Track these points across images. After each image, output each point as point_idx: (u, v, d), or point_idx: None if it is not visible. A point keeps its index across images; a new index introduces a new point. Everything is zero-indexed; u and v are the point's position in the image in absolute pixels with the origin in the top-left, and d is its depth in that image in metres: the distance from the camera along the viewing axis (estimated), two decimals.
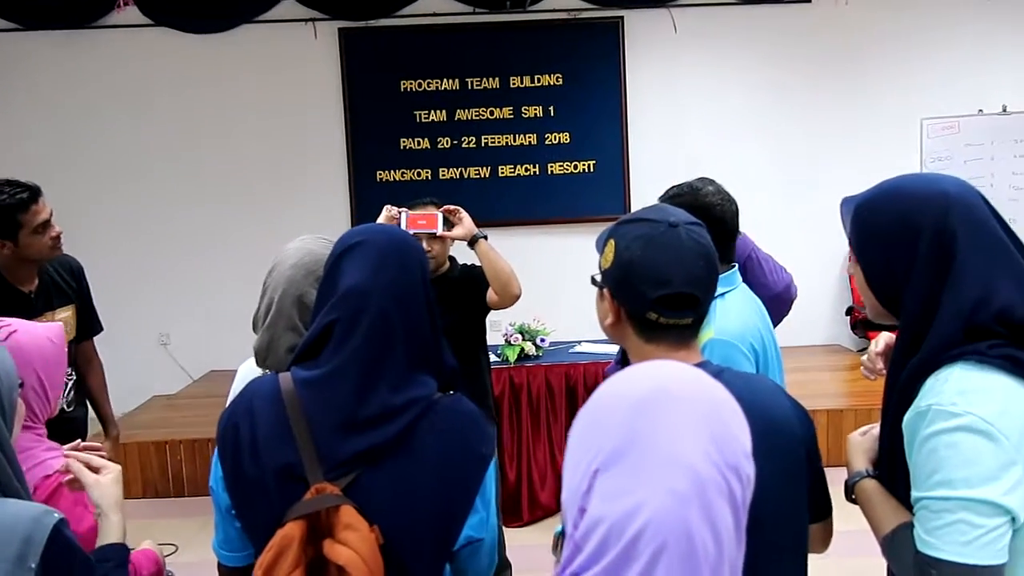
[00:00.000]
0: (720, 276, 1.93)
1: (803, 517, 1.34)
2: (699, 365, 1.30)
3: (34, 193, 2.62)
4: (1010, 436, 1.15)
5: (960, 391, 1.18)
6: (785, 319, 2.45)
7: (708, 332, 1.95)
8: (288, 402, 1.29)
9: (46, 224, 2.64)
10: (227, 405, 1.38)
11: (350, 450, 1.25)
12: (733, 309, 1.98)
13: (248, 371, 1.78)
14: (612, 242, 1.30)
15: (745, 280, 2.27)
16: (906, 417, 1.23)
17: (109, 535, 1.48)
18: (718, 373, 1.31)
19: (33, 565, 1.15)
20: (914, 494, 1.21)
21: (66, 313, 2.85)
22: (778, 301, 2.39)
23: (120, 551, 1.46)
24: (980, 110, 5.70)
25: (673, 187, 2.16)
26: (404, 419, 1.27)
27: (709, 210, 2.03)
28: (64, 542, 1.22)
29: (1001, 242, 1.26)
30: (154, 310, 5.86)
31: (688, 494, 0.76)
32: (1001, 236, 1.26)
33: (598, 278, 1.34)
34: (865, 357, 1.65)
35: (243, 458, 1.30)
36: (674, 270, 1.24)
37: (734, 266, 2.11)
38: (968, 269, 1.23)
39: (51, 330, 1.78)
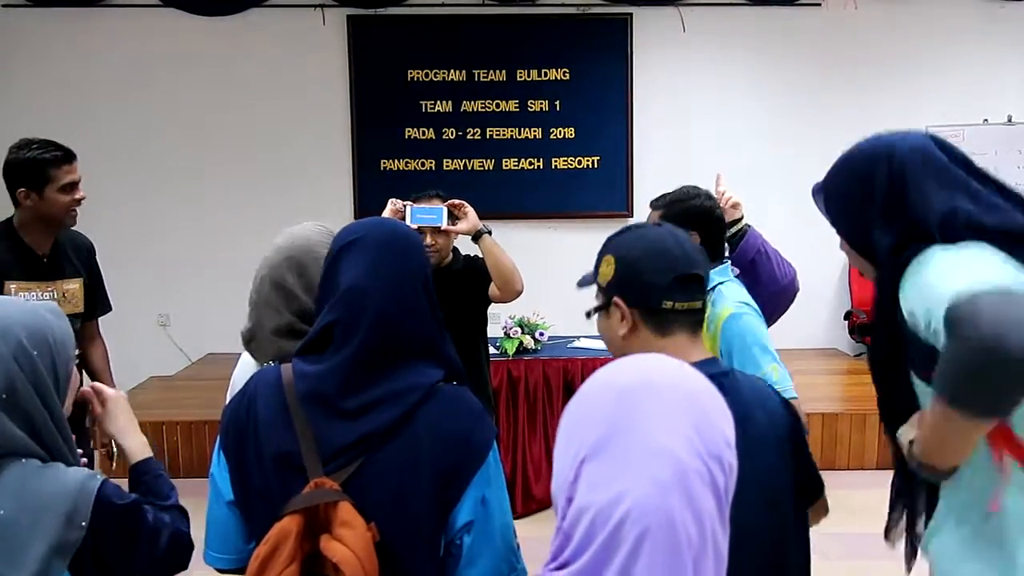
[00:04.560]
0: (714, 270, 2.07)
1: (786, 500, 1.35)
2: (708, 362, 1.33)
3: (69, 155, 2.74)
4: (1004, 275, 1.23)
5: (944, 255, 1.28)
6: (782, 320, 2.47)
7: (726, 310, 2.04)
8: (288, 390, 1.30)
9: (73, 186, 2.74)
10: (231, 392, 1.39)
11: (349, 437, 1.24)
12: (735, 291, 2.14)
13: (251, 358, 1.78)
14: (610, 256, 1.36)
15: (755, 275, 2.36)
16: (902, 287, 1.31)
17: (135, 456, 1.58)
18: (726, 372, 1.35)
19: (84, 523, 1.29)
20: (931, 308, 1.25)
21: (74, 285, 2.89)
22: (784, 294, 2.45)
23: (150, 464, 1.59)
24: (985, 119, 5.69)
25: (666, 194, 2.26)
26: (403, 404, 1.25)
27: (709, 212, 2.22)
28: (106, 501, 1.33)
29: (949, 168, 1.36)
30: (154, 291, 5.86)
31: (670, 482, 0.78)
32: (947, 163, 1.37)
33: (599, 300, 1.38)
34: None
35: (247, 444, 1.31)
36: (676, 254, 1.32)
37: (726, 261, 2.26)
38: (924, 190, 1.34)
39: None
